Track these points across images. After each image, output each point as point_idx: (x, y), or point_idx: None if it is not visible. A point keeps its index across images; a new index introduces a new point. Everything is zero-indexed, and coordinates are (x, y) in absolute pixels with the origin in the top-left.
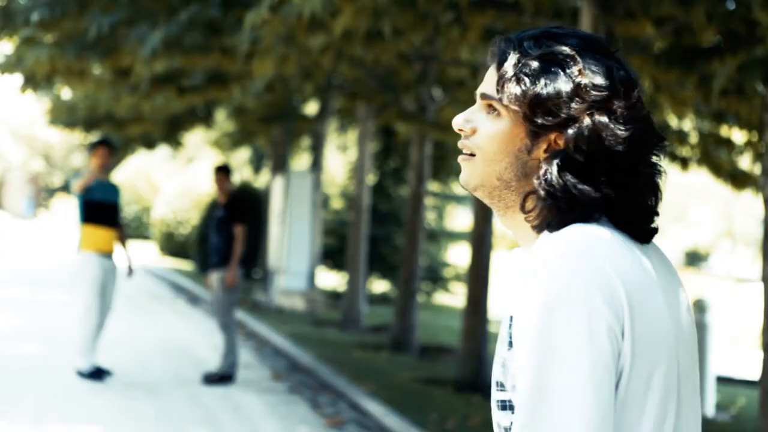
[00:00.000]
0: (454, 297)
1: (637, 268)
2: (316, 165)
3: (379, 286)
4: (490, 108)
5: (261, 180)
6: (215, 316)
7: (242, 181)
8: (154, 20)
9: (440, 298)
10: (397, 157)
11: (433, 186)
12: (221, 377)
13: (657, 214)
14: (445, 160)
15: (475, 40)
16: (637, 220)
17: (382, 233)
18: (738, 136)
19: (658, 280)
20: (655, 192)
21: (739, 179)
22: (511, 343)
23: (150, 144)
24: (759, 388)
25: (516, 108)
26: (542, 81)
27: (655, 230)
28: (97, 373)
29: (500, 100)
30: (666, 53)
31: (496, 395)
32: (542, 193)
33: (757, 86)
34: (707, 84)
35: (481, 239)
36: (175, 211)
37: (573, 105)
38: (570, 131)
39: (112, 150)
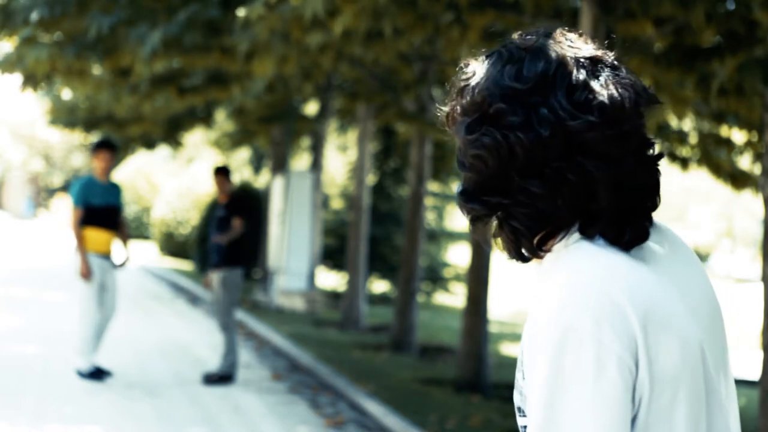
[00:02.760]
0: (454, 297)
1: (650, 284)
2: (316, 165)
3: (379, 286)
4: None
5: (261, 180)
6: (215, 316)
7: (242, 181)
8: (153, 20)
9: (440, 298)
10: (397, 157)
11: (433, 186)
12: (221, 377)
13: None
14: (445, 160)
15: (475, 40)
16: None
17: (382, 233)
18: (738, 136)
19: (674, 284)
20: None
21: (739, 179)
22: (524, 373)
23: (150, 144)
24: (759, 388)
25: None
26: None
27: (647, 229)
28: (97, 374)
29: None
30: (666, 53)
31: (519, 421)
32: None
33: (758, 86)
34: (707, 84)
35: None
36: (175, 211)
37: None
38: None
39: (114, 152)
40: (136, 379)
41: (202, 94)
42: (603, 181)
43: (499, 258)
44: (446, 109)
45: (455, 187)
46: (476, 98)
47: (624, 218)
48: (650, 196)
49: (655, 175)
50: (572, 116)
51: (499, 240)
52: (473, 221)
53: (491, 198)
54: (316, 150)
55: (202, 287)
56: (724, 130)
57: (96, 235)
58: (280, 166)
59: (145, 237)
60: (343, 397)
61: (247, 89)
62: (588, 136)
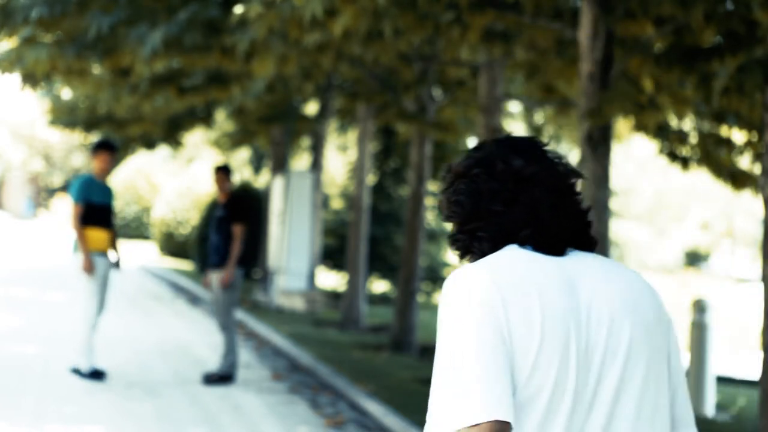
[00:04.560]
0: None
1: (525, 275)
2: (316, 165)
3: (379, 286)
4: None
5: (261, 180)
6: (215, 316)
7: (242, 181)
8: (153, 20)
9: (440, 298)
10: (397, 157)
11: (433, 186)
12: (221, 377)
13: (564, 236)
14: (445, 160)
15: (475, 40)
16: (544, 244)
17: (382, 233)
18: (738, 136)
19: (569, 279)
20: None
21: (739, 179)
22: None
23: (150, 144)
24: (759, 388)
25: None
26: None
27: (563, 248)
28: (96, 373)
29: None
30: (666, 53)
31: None
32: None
33: (758, 86)
34: (707, 84)
35: None
36: (175, 211)
37: None
38: None
39: (113, 153)
40: (136, 379)
41: (202, 94)
42: (542, 201)
43: None
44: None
45: None
46: (450, 172)
47: (553, 234)
48: (577, 227)
49: (580, 217)
50: (515, 160)
51: (466, 260)
52: (462, 255)
53: (470, 226)
54: (316, 150)
55: (202, 287)
56: (724, 130)
57: (95, 234)
58: (280, 166)
59: (145, 237)
60: (343, 397)
61: (247, 89)
62: (528, 171)
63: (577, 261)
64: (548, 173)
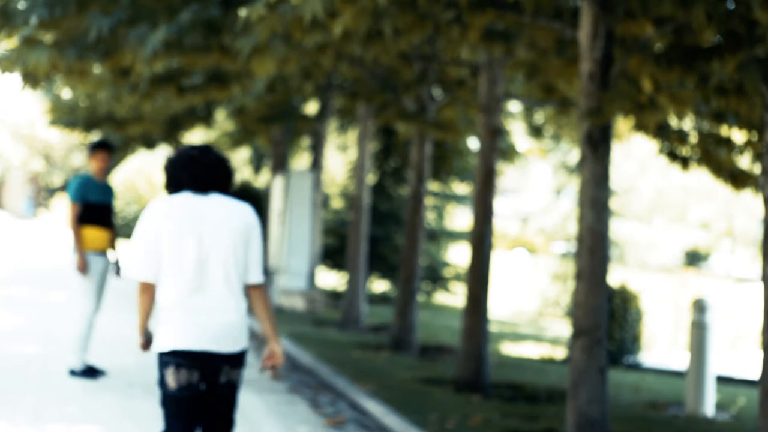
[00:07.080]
0: (454, 297)
1: (181, 203)
2: (316, 165)
3: (379, 286)
4: None
5: (261, 180)
6: None
7: (242, 181)
8: (154, 20)
9: (440, 298)
10: (397, 157)
11: (433, 186)
12: None
13: (208, 186)
14: (445, 160)
15: (475, 40)
16: (195, 189)
17: (382, 233)
18: (738, 136)
19: (200, 206)
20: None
21: (739, 179)
22: None
23: (150, 144)
24: (759, 388)
25: None
26: None
27: (207, 190)
28: (90, 371)
29: None
30: (666, 53)
31: None
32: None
33: (758, 85)
34: (707, 84)
35: (481, 239)
36: None
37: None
38: None
39: (111, 153)
40: (137, 378)
41: (202, 93)
42: (199, 171)
43: (499, 258)
44: None
45: (455, 186)
46: (167, 163)
47: (202, 185)
48: (218, 182)
49: (221, 178)
50: (191, 152)
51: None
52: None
53: (172, 186)
54: (316, 150)
55: None
56: (724, 130)
57: (92, 233)
58: (280, 165)
59: None
60: (343, 397)
61: (247, 89)
62: (196, 157)
63: (211, 197)
64: (205, 158)
